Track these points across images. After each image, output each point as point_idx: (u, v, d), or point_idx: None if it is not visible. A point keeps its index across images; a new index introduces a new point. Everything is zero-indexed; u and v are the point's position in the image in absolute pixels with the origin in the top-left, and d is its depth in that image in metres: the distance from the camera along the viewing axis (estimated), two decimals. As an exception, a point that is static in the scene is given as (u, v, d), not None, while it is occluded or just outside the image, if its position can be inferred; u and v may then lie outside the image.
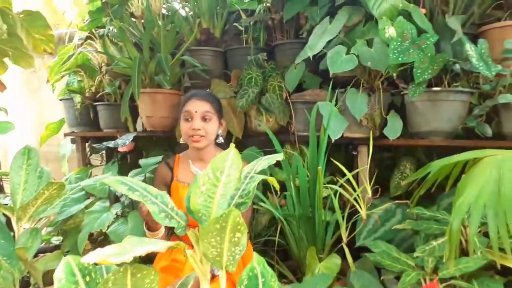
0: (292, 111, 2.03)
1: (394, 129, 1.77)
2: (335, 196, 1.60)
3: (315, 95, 1.99)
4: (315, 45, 1.77)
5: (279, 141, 1.91)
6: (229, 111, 2.15)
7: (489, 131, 1.68)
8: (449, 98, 1.73)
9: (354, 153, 1.94)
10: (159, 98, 2.35)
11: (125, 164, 2.64)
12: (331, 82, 1.84)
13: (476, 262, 1.35)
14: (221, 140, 1.64)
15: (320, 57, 1.89)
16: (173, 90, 2.39)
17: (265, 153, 2.06)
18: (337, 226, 1.68)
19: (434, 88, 1.73)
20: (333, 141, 1.73)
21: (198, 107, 1.52)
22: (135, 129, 2.50)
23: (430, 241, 1.58)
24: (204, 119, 1.52)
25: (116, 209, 1.69)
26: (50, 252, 1.87)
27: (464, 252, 1.50)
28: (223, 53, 2.54)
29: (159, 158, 1.96)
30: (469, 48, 1.59)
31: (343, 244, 1.51)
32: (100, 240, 2.03)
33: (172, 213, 0.82)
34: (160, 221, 0.79)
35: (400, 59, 1.61)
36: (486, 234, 1.42)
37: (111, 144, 2.10)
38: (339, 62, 1.66)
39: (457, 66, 1.76)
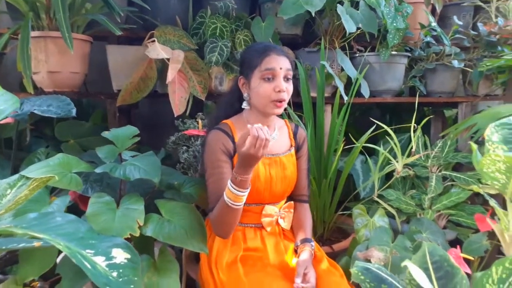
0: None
1: (365, 88, 1.94)
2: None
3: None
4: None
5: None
6: (186, 67, 1.78)
7: (424, 89, 2.09)
8: (400, 61, 2.02)
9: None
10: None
11: None
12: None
13: (466, 193, 1.73)
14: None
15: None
16: (85, 36, 1.77)
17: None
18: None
19: (393, 52, 1.98)
20: (345, 101, 1.74)
21: (282, 63, 1.19)
22: (39, 88, 1.73)
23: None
24: (286, 78, 1.22)
25: (134, 204, 1.17)
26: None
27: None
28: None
29: (133, 128, 1.44)
30: (431, 19, 1.90)
31: (374, 197, 1.61)
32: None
33: None
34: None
35: (394, 24, 1.76)
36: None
37: (38, 111, 1.39)
38: (350, 22, 1.66)
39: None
